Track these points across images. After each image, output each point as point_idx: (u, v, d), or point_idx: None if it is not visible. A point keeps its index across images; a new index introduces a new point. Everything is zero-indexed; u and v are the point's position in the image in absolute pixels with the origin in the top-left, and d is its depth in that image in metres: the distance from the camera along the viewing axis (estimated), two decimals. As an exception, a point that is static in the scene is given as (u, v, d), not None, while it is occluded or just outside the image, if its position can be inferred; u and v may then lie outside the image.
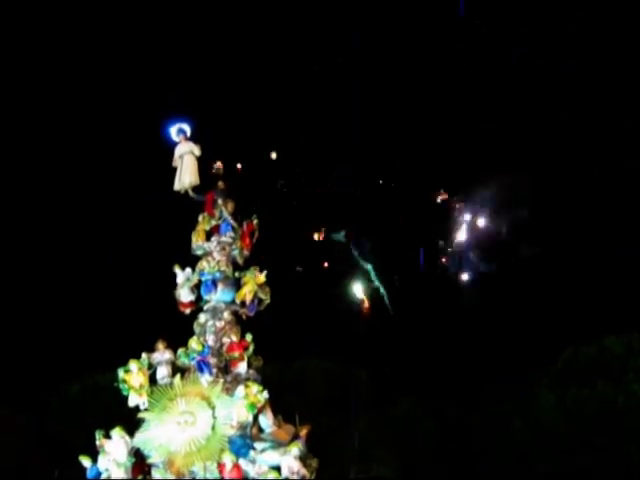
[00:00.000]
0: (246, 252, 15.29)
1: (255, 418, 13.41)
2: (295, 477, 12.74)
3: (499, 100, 39.44)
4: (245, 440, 13.13)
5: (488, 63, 39.65)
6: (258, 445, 13.20)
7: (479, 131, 40.16)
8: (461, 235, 41.83)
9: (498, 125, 39.64)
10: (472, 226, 41.87)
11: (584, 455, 23.95)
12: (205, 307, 14.80)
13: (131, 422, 13.82)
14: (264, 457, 13.07)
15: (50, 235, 38.81)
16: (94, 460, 13.34)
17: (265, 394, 13.35)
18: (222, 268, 14.82)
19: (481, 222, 41.32)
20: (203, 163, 15.81)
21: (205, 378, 13.66)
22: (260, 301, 14.90)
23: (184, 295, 15.03)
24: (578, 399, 24.39)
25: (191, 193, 15.72)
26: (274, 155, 40.54)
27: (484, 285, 41.37)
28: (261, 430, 13.54)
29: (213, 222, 15.38)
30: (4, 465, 31.25)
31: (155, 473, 13.03)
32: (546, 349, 30.36)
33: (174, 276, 15.13)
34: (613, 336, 26.16)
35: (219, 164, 16.05)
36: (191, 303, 15.07)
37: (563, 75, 38.14)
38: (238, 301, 14.81)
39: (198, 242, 15.28)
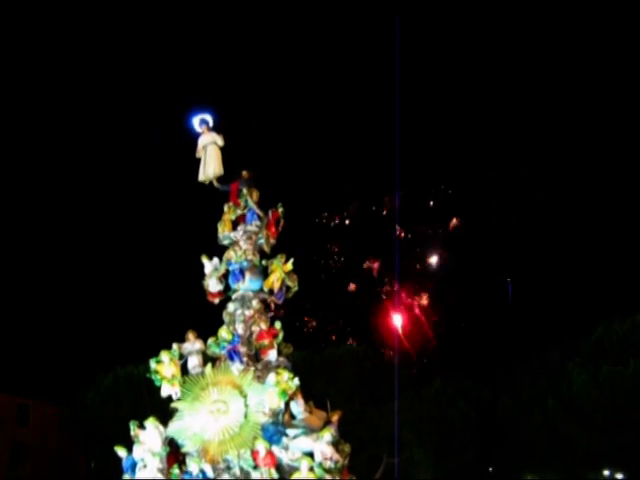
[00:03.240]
0: (272, 240, 15.23)
1: (287, 405, 13.46)
2: (328, 462, 12.77)
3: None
4: (277, 427, 13.19)
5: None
6: (290, 432, 13.26)
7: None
8: None
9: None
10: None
11: (620, 432, 23.78)
12: (233, 296, 14.82)
13: (164, 412, 13.95)
14: (297, 443, 13.13)
15: (81, 234, 39.36)
16: (129, 450, 13.49)
17: (296, 381, 13.39)
18: (249, 257, 14.81)
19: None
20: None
21: (236, 367, 13.72)
22: (288, 288, 14.90)
23: (212, 285, 15.06)
24: (611, 377, 24.17)
25: (216, 183, 15.71)
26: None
27: (515, 268, 41.32)
28: (293, 417, 13.57)
29: (239, 211, 15.35)
30: (43, 457, 31.78)
31: (190, 461, 13.13)
32: (577, 327, 30.14)
33: (202, 267, 15.17)
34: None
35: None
36: (220, 293, 15.09)
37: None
38: (266, 289, 14.82)
39: (224, 232, 15.26)
